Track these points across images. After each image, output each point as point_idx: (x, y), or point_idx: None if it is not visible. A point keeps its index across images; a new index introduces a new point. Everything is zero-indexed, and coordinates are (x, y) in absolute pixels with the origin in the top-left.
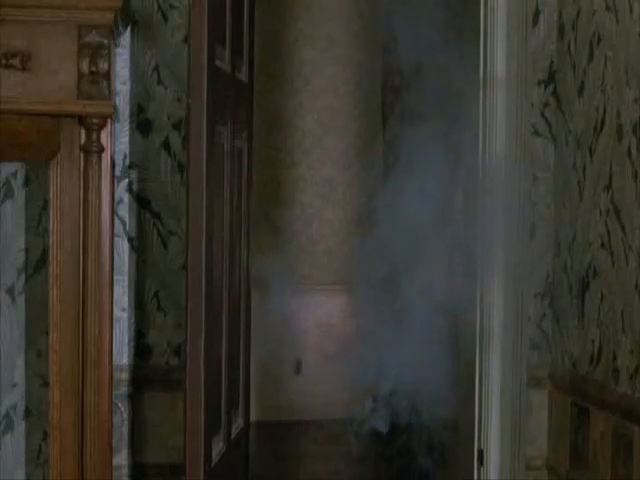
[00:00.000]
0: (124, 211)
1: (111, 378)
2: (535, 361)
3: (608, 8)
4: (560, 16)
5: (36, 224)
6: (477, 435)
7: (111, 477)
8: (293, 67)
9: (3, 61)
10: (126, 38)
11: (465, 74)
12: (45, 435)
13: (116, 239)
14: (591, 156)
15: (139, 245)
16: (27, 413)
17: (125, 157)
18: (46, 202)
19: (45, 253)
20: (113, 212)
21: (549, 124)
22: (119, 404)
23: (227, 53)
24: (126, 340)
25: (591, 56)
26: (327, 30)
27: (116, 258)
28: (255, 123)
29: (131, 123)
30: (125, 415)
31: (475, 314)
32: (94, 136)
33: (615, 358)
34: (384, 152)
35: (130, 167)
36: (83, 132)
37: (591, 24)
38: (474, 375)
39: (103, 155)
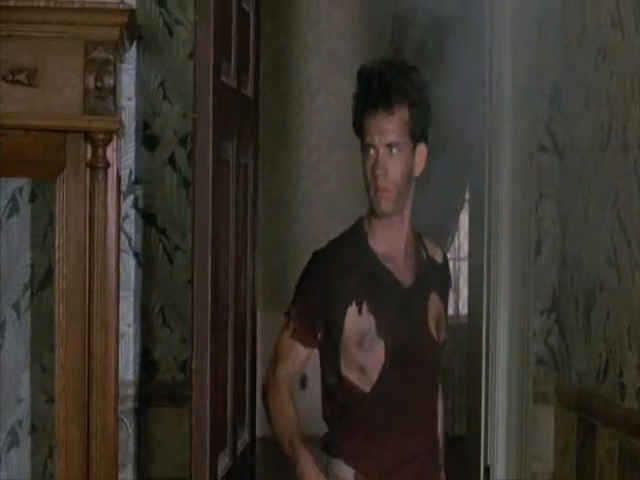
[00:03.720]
0: (130, 226)
1: (117, 394)
2: (541, 377)
3: (614, 23)
4: (565, 31)
5: (42, 240)
6: (483, 451)
7: None
8: (299, 82)
9: (9, 77)
10: (132, 54)
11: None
12: (51, 451)
13: (122, 254)
14: (597, 171)
15: (145, 260)
16: (33, 429)
17: (131, 173)
18: (52, 218)
19: (51, 269)
20: (119, 228)
21: (555, 139)
22: (125, 419)
23: (233, 69)
24: (132, 355)
25: (596, 71)
26: (333, 45)
27: (122, 274)
28: (261, 138)
29: (137, 139)
30: (131, 430)
31: (481, 330)
32: (100, 152)
33: (621, 374)
34: None
35: (136, 183)
36: (89, 148)
37: (597, 39)
38: (480, 390)
39: (109, 171)
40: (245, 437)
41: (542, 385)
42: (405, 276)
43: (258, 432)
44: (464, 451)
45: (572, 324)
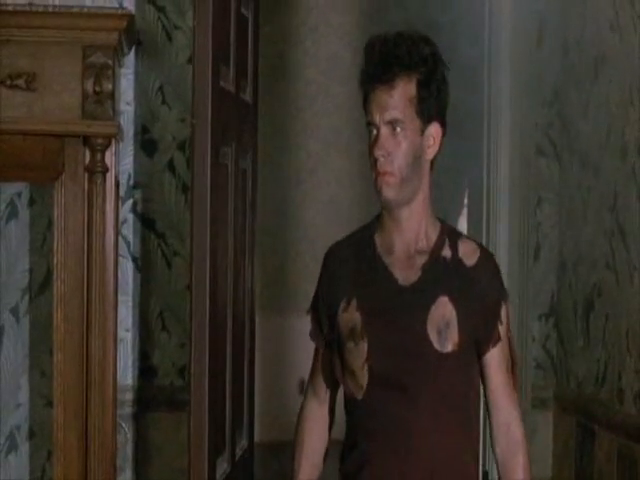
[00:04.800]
0: (128, 231)
1: (115, 398)
2: (540, 381)
3: (612, 28)
4: (564, 36)
5: (40, 244)
6: (482, 456)
7: None
8: (298, 87)
9: (8, 81)
10: (130, 58)
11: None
12: (49, 455)
13: (120, 259)
14: (596, 176)
15: (143, 265)
16: (31, 433)
17: (129, 177)
18: (50, 222)
19: (49, 273)
20: (117, 232)
21: (553, 144)
22: (123, 424)
23: (231, 74)
24: (130, 360)
25: (596, 76)
26: (332, 50)
27: (120, 278)
28: (259, 143)
29: (135, 143)
30: (129, 435)
31: None
32: (98, 156)
33: (620, 378)
34: None
35: (134, 187)
36: (87, 152)
37: (595, 44)
38: None
39: (107, 175)
40: (243, 442)
41: (541, 390)
42: (407, 274)
43: (256, 437)
44: None
45: (571, 329)
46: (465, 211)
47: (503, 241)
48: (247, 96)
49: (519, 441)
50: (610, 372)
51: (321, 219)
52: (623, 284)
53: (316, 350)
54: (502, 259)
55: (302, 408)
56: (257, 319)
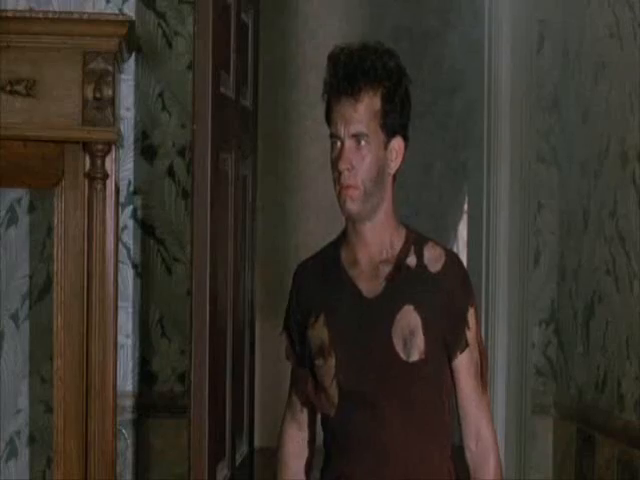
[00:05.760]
0: (128, 237)
1: (115, 404)
2: (540, 388)
3: (612, 35)
4: (565, 42)
5: (40, 250)
6: None
7: None
8: (298, 93)
9: (8, 87)
10: (130, 64)
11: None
12: (49, 461)
13: (120, 265)
14: (596, 182)
15: (143, 271)
16: (31, 439)
17: (129, 183)
18: (50, 229)
19: (49, 280)
20: (117, 238)
21: (554, 150)
22: (123, 430)
23: (231, 80)
24: (130, 366)
25: (596, 82)
26: None
27: (120, 284)
28: (259, 149)
29: (135, 149)
30: (129, 441)
31: None
32: (98, 162)
33: (620, 385)
34: None
35: (134, 193)
36: (87, 158)
37: (595, 50)
38: None
39: (107, 181)
40: (244, 448)
41: (541, 396)
42: (372, 286)
43: (257, 443)
44: (463, 462)
45: (571, 335)
46: (465, 217)
47: (503, 247)
48: (247, 102)
49: (489, 445)
50: (610, 378)
51: (321, 226)
52: (623, 290)
53: (292, 370)
54: (502, 265)
55: (281, 432)
56: (257, 325)
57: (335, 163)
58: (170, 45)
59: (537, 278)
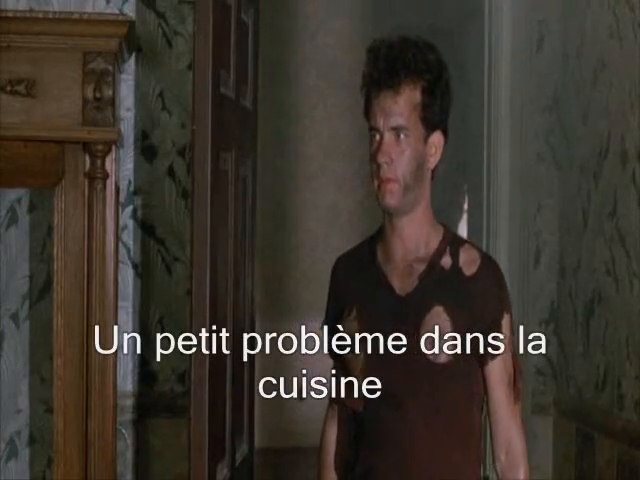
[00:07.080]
0: (128, 237)
1: (115, 404)
2: (540, 388)
3: (612, 35)
4: (565, 43)
5: (40, 250)
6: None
7: None
8: (298, 93)
9: (8, 87)
10: (131, 65)
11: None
12: (49, 461)
13: (120, 265)
14: (595, 182)
15: (143, 271)
16: (31, 439)
17: (130, 183)
18: (50, 228)
19: (49, 279)
20: (117, 238)
21: (553, 150)
22: (123, 430)
23: (231, 79)
24: (130, 366)
25: (595, 82)
26: (332, 56)
27: (120, 284)
28: (259, 149)
29: (136, 149)
30: (129, 441)
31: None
32: (98, 162)
33: (620, 384)
34: None
35: (135, 193)
36: (87, 158)
37: (595, 51)
38: None
39: (107, 181)
40: (244, 448)
41: (541, 396)
42: (405, 283)
43: (257, 443)
44: None
45: (570, 335)
46: (465, 217)
47: (503, 247)
48: (247, 102)
49: (519, 457)
50: (610, 378)
51: (321, 225)
52: (623, 290)
53: (333, 366)
54: (502, 265)
55: (323, 430)
56: (257, 325)
57: (374, 156)
58: (170, 45)
59: (537, 278)
